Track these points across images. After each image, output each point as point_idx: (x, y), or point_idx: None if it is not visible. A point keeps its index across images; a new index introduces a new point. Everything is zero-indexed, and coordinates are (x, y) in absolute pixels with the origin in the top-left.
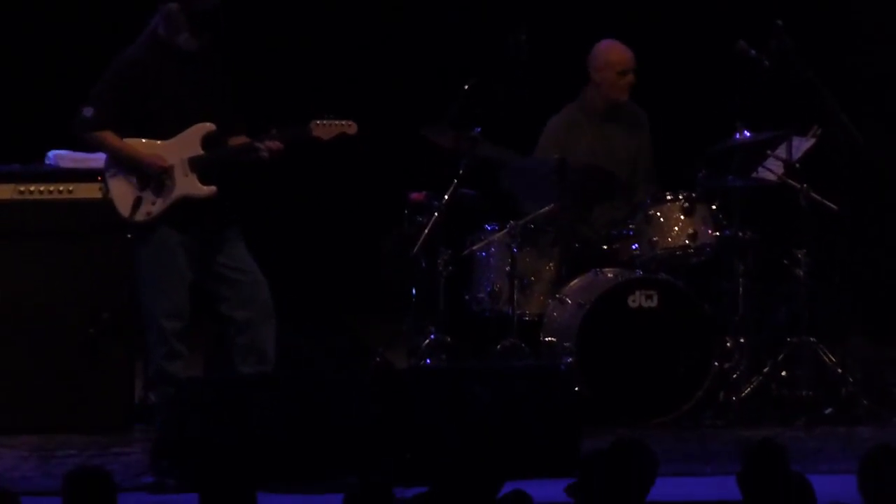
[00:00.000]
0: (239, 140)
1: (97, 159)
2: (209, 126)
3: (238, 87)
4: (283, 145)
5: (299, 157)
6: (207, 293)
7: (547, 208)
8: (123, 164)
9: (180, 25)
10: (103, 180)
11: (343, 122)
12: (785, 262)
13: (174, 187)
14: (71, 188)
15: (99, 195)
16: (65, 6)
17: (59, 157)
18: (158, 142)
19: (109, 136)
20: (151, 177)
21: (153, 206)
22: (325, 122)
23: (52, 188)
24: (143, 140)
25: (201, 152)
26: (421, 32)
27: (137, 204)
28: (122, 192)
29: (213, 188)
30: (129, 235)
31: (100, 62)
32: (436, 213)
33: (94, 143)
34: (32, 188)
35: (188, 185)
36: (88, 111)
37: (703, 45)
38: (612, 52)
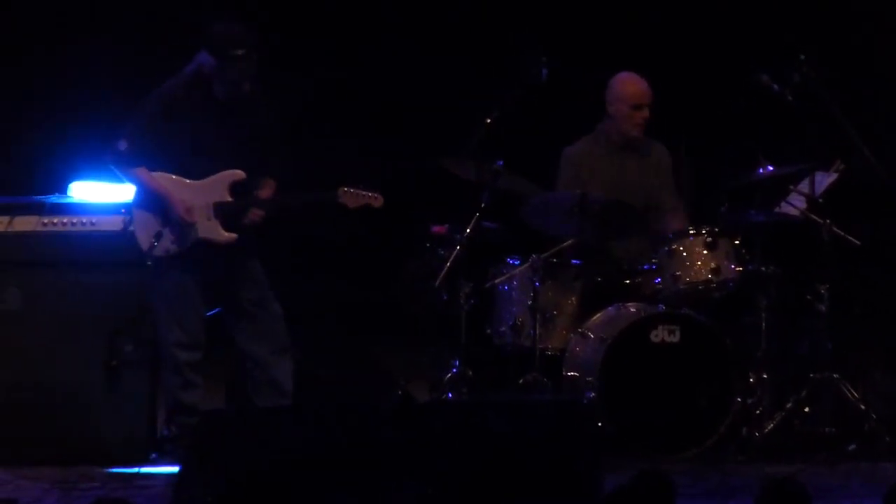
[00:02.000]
0: (267, 189)
1: (119, 192)
2: (239, 174)
3: (275, 135)
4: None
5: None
6: (226, 325)
7: (569, 242)
8: (150, 199)
9: (217, 77)
10: (129, 211)
11: (370, 194)
12: (808, 296)
13: (196, 230)
14: (93, 220)
15: (122, 227)
16: (88, 39)
17: (82, 189)
18: (189, 181)
19: (141, 171)
20: (173, 217)
21: (172, 245)
22: (352, 190)
23: (74, 220)
24: (174, 177)
25: (228, 199)
26: (443, 64)
27: (158, 238)
28: (144, 226)
29: (233, 236)
30: (148, 263)
31: (122, 97)
32: (458, 246)
33: (126, 177)
34: (55, 220)
35: (209, 230)
36: (122, 145)
37: (726, 78)
38: (627, 86)
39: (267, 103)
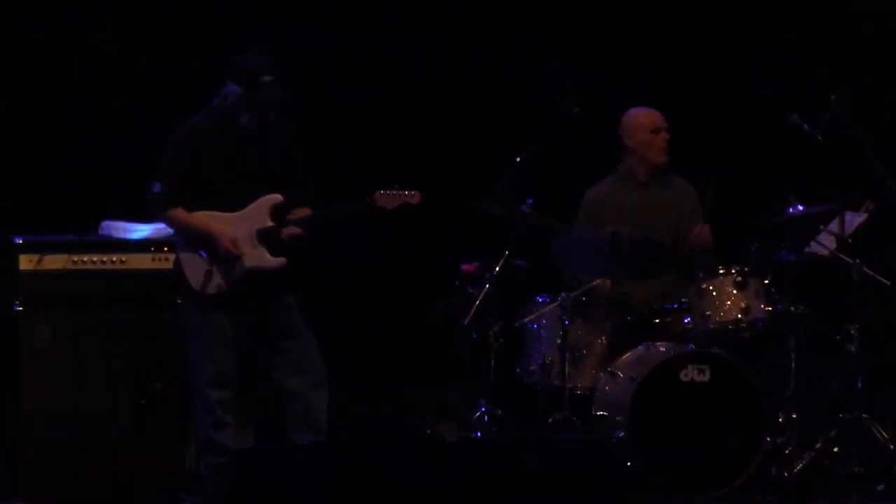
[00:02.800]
0: (301, 212)
1: (149, 229)
2: (277, 198)
3: (304, 157)
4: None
5: (356, 227)
6: (261, 361)
7: (598, 281)
8: (194, 238)
9: (243, 107)
10: (174, 253)
11: (407, 192)
12: (837, 337)
13: (244, 260)
14: (123, 258)
15: (151, 265)
16: (114, 77)
17: (112, 227)
18: (228, 215)
19: (180, 214)
20: (220, 254)
21: (223, 281)
22: (389, 192)
23: (104, 258)
24: (213, 213)
25: (270, 224)
26: (472, 103)
27: (208, 277)
28: (193, 266)
29: (282, 259)
30: (178, 301)
31: (151, 134)
32: (487, 285)
33: (166, 222)
34: (85, 258)
35: (257, 258)
36: (157, 187)
37: (757, 118)
38: (641, 115)
39: (290, 129)
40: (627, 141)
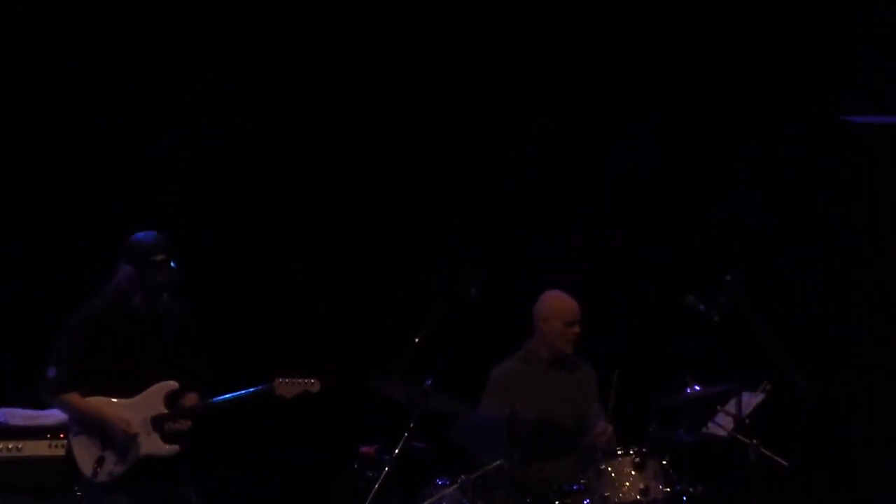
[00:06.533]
0: (192, 399)
1: (47, 417)
2: (172, 384)
3: (198, 341)
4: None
5: (255, 410)
6: None
7: (497, 462)
8: (87, 423)
9: (136, 287)
10: (66, 438)
11: (306, 381)
12: None
13: (138, 447)
14: (20, 445)
15: (48, 452)
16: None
17: (10, 414)
18: (122, 401)
19: (74, 398)
20: (114, 438)
21: (115, 466)
22: (288, 380)
23: (0, 446)
24: (108, 399)
25: (164, 411)
26: (370, 282)
27: (100, 463)
28: (84, 452)
29: (175, 447)
30: (77, 492)
31: (51, 320)
32: (386, 468)
33: (59, 406)
34: None
35: (151, 445)
36: (51, 372)
37: (653, 298)
38: (560, 303)
39: (183, 312)
40: (539, 324)
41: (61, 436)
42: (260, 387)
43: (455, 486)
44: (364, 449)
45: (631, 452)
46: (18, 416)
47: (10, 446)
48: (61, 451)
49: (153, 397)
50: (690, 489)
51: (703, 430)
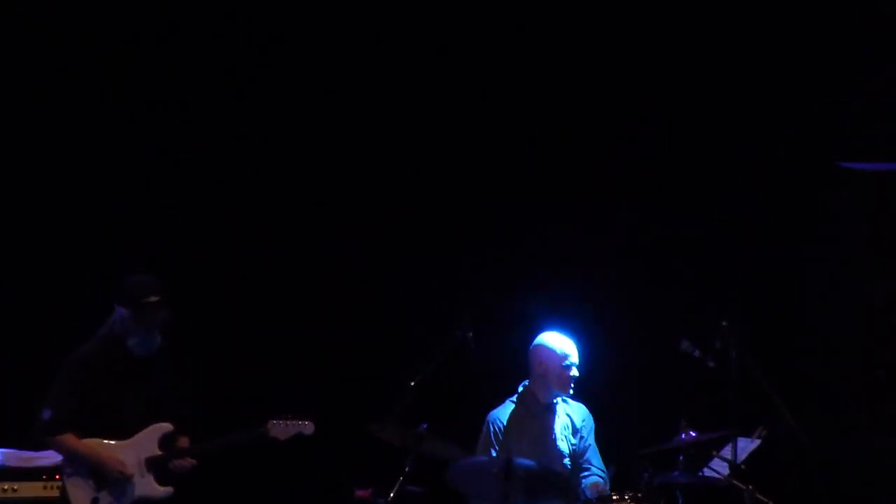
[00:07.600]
0: (185, 442)
1: (43, 458)
2: (167, 426)
3: (191, 385)
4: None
5: (250, 452)
6: None
7: None
8: (82, 465)
9: (131, 329)
10: (61, 480)
11: (300, 423)
12: None
13: (133, 488)
14: (16, 487)
15: (43, 493)
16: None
17: (6, 455)
18: (116, 442)
19: (69, 439)
20: (109, 479)
21: None
22: (281, 422)
23: None
24: (103, 441)
25: (158, 453)
26: (366, 326)
27: None
28: (79, 493)
29: (169, 489)
30: None
31: (45, 364)
32: None
33: (54, 447)
34: None
35: (145, 486)
36: (46, 414)
37: (649, 344)
38: (560, 346)
39: (179, 356)
40: (536, 367)
41: (56, 477)
42: (254, 431)
43: None
44: (360, 492)
45: (626, 498)
46: (14, 457)
47: (5, 487)
48: (56, 493)
49: (148, 439)
50: None
51: (699, 474)
